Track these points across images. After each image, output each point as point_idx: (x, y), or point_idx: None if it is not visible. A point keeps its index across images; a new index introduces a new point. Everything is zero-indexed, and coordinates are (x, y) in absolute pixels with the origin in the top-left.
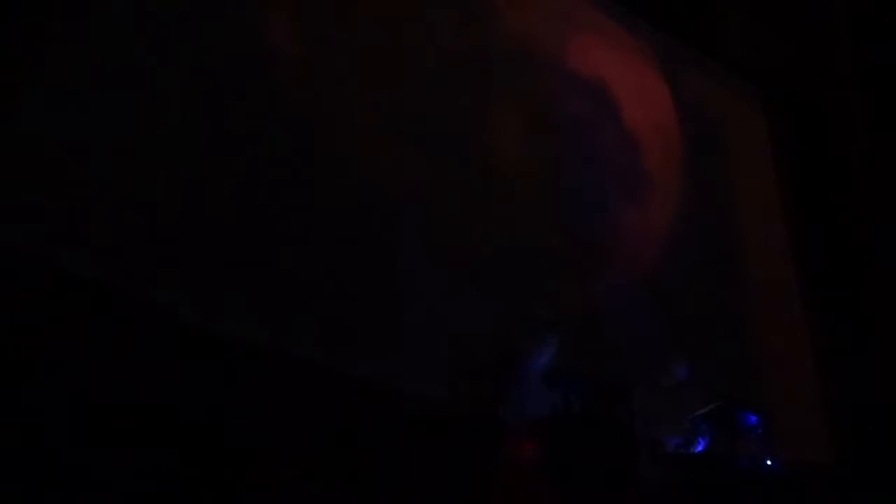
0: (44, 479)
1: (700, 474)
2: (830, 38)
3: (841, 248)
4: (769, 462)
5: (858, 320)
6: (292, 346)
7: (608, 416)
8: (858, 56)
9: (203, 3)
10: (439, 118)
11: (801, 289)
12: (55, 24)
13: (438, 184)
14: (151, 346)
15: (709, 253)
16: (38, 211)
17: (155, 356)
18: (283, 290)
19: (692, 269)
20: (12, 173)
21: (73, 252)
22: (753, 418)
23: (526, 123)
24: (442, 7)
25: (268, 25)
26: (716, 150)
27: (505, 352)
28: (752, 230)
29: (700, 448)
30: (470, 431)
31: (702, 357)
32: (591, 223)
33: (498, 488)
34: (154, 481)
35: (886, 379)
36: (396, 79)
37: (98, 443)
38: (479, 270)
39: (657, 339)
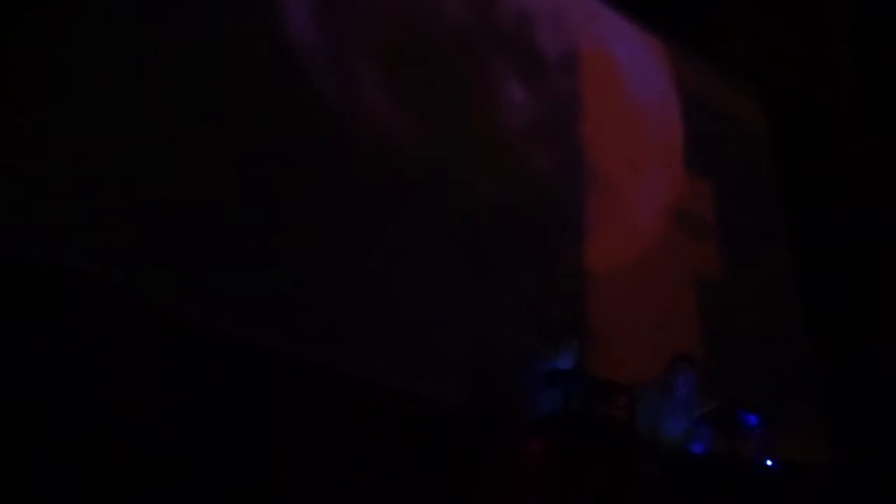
0: (44, 478)
1: (700, 474)
2: (830, 38)
3: (841, 248)
4: (769, 462)
5: (858, 320)
6: (293, 347)
7: (608, 416)
8: (858, 56)
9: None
10: (443, 96)
11: (800, 288)
12: (55, 23)
13: (442, 175)
14: (152, 346)
15: (708, 252)
16: (38, 211)
17: (155, 356)
18: (285, 289)
19: (691, 268)
20: (12, 173)
21: (73, 252)
22: (753, 418)
23: (530, 102)
24: None
25: (269, 11)
26: (716, 150)
27: (519, 354)
28: (752, 229)
29: (700, 448)
30: (472, 431)
31: (701, 357)
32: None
33: (500, 488)
34: (152, 481)
35: (886, 379)
36: (400, 57)
37: (98, 443)
38: (483, 269)
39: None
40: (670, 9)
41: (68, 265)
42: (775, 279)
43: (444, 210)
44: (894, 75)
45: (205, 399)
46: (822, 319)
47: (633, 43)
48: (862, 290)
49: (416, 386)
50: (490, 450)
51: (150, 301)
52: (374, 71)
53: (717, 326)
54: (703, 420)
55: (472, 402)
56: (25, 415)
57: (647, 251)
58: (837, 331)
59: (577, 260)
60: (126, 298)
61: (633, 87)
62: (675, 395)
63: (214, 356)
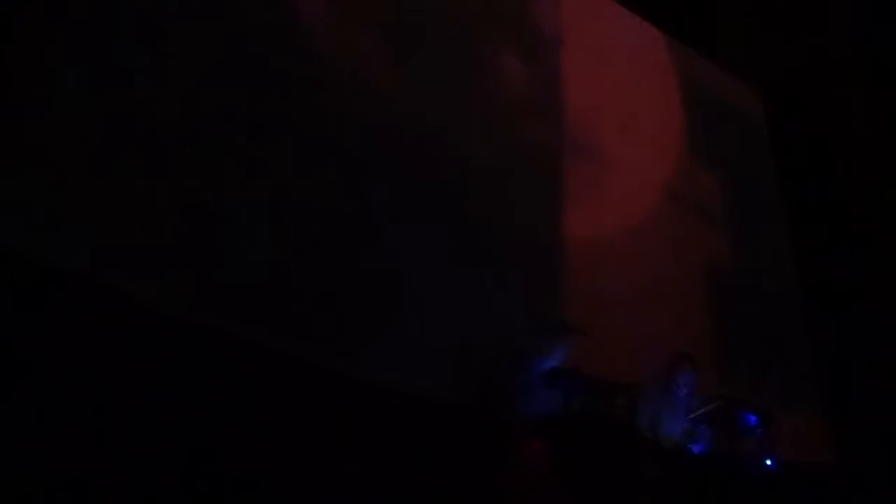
0: (43, 478)
1: (700, 474)
2: (830, 38)
3: (841, 247)
4: (769, 462)
5: (858, 319)
6: (293, 346)
7: (608, 416)
8: (858, 56)
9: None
10: (442, 66)
11: (800, 288)
12: (56, 22)
13: (440, 146)
14: (151, 345)
15: (708, 251)
16: (38, 211)
17: (154, 356)
18: (283, 289)
19: (691, 268)
20: (12, 173)
21: (74, 252)
22: (753, 418)
23: (526, 74)
24: None
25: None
26: (715, 150)
27: (513, 352)
28: (752, 229)
29: (700, 448)
30: (471, 432)
31: (701, 356)
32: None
33: (500, 487)
34: (152, 481)
35: (886, 379)
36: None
37: (97, 442)
38: (480, 271)
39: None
40: (670, 9)
41: (68, 265)
42: (776, 278)
43: (443, 193)
44: (893, 73)
45: (203, 398)
46: (822, 318)
47: (631, 29)
48: (863, 288)
49: (415, 386)
50: (491, 449)
51: (149, 301)
52: (374, 41)
53: (717, 326)
54: (703, 420)
55: (472, 401)
56: (25, 415)
57: (641, 230)
58: (838, 330)
59: (570, 234)
60: (126, 298)
61: (631, 70)
62: (675, 395)
63: (211, 355)
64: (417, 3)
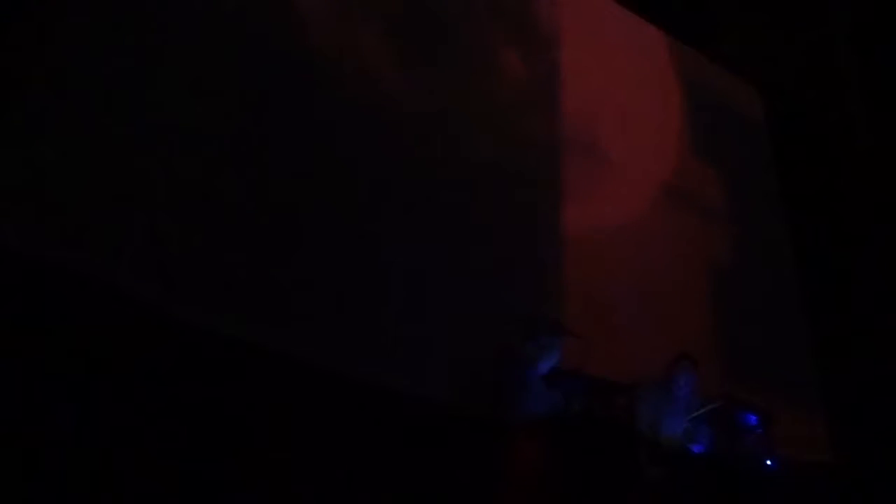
0: (42, 478)
1: (700, 474)
2: (830, 38)
3: (841, 247)
4: (769, 462)
5: (859, 320)
6: (292, 347)
7: (608, 416)
8: (858, 56)
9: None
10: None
11: (800, 287)
12: (56, 22)
13: (438, 145)
14: (150, 345)
15: (708, 251)
16: (38, 211)
17: (154, 356)
18: (283, 290)
19: (691, 267)
20: (12, 173)
21: (73, 252)
22: (753, 418)
23: (526, 71)
24: None
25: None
26: (715, 149)
27: (506, 353)
28: (752, 229)
29: (700, 448)
30: (470, 433)
31: (701, 355)
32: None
33: (498, 489)
34: (151, 481)
35: (886, 380)
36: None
37: (96, 442)
38: (478, 270)
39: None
40: (670, 9)
41: (68, 265)
42: (776, 278)
43: (443, 192)
44: (894, 75)
45: (203, 398)
46: (823, 318)
47: (631, 29)
48: (863, 288)
49: (413, 388)
50: (490, 450)
51: (149, 301)
52: (374, 40)
53: (718, 326)
54: (703, 420)
55: (472, 401)
56: (24, 415)
57: (641, 229)
58: (838, 330)
59: (570, 233)
60: (126, 298)
61: (631, 69)
62: (676, 395)
63: (211, 356)
64: (418, 2)
